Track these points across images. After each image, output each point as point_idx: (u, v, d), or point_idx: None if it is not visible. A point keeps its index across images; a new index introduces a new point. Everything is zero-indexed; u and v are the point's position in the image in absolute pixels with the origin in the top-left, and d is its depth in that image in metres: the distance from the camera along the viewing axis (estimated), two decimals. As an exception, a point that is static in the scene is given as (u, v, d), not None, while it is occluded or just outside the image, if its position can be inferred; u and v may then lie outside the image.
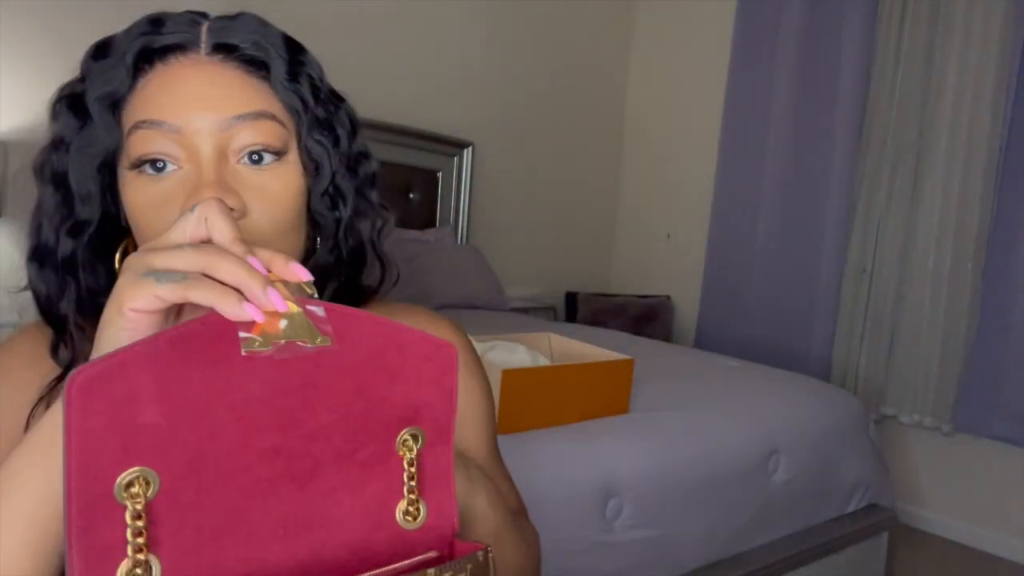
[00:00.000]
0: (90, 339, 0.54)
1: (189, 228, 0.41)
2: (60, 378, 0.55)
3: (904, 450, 2.84)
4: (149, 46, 0.51)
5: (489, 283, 2.99)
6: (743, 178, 3.24)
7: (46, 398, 0.55)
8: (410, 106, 3.01)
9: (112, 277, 0.55)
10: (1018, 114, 2.47)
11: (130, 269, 0.40)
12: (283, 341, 0.37)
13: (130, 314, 0.39)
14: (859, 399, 2.21)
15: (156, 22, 0.52)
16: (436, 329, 0.67)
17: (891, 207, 2.82)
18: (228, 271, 0.38)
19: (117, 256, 0.55)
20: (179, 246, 0.39)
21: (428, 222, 3.17)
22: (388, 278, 0.63)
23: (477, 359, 0.70)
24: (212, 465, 0.37)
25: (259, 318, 0.37)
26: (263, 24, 0.54)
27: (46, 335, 0.57)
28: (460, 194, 3.27)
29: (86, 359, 0.54)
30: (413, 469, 0.43)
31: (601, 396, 1.62)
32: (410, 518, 0.43)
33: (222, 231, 0.41)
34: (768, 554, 1.70)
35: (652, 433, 1.60)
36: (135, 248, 0.54)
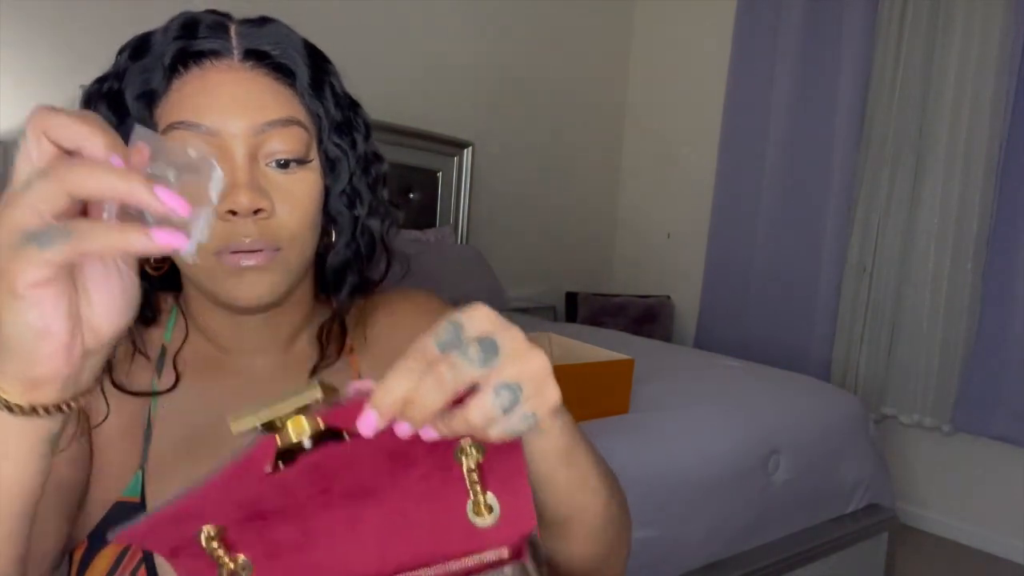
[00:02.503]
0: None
1: (34, 155, 0.34)
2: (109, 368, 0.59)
3: (904, 450, 2.84)
4: (186, 49, 0.54)
5: (489, 283, 2.99)
6: (743, 178, 3.24)
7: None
8: (410, 106, 3.01)
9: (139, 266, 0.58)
10: (1018, 114, 2.47)
11: (1, 241, 0.33)
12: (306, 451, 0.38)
13: (28, 292, 0.34)
14: (859, 399, 2.21)
15: (189, 25, 0.55)
16: (413, 300, 0.71)
17: (891, 207, 2.82)
18: (99, 187, 0.32)
19: None
20: (33, 188, 0.33)
21: (428, 222, 3.17)
22: (399, 270, 0.67)
23: None
24: (269, 510, 0.40)
25: (178, 242, 0.33)
26: (288, 31, 0.58)
27: None
28: (460, 194, 3.27)
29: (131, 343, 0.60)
30: (475, 475, 0.41)
31: (601, 396, 1.62)
32: (484, 514, 0.42)
33: (77, 138, 0.34)
34: (768, 554, 1.70)
35: (652, 433, 1.61)
36: None
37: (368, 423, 0.36)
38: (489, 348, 0.36)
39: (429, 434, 0.38)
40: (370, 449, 0.39)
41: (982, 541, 2.66)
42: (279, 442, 0.37)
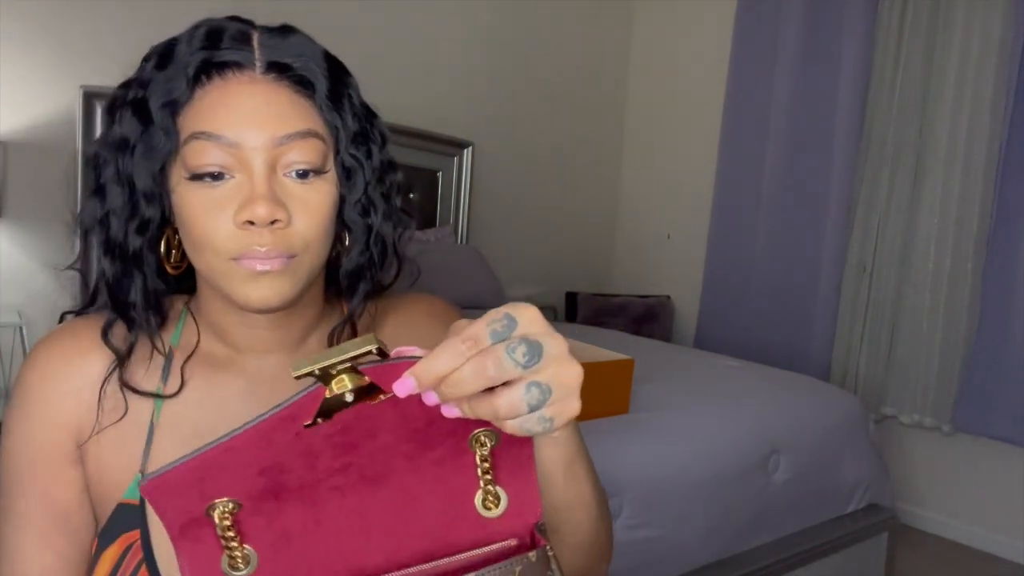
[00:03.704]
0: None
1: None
2: (121, 363, 0.61)
3: (904, 450, 2.84)
4: (209, 60, 0.56)
5: (489, 283, 2.98)
6: (743, 178, 3.24)
7: (113, 377, 0.60)
8: (410, 106, 3.01)
9: (159, 265, 0.61)
10: (1018, 114, 2.47)
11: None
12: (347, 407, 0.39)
13: None
14: (859, 399, 2.21)
15: (213, 35, 0.56)
16: (431, 305, 0.73)
17: (891, 207, 2.82)
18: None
19: (161, 246, 0.60)
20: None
21: (428, 222, 3.17)
22: (408, 276, 0.69)
23: None
24: (287, 487, 0.41)
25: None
26: (310, 43, 0.59)
27: (70, 340, 0.61)
28: (460, 194, 3.27)
29: (149, 341, 0.61)
30: (487, 464, 0.44)
31: (601, 396, 1.62)
32: (490, 506, 0.45)
33: None
34: (768, 554, 1.70)
35: (652, 433, 1.61)
36: (176, 239, 0.60)
37: (405, 387, 0.39)
38: (535, 351, 0.39)
39: (451, 411, 0.40)
40: (395, 422, 0.41)
41: (982, 541, 2.66)
42: (327, 393, 0.39)
